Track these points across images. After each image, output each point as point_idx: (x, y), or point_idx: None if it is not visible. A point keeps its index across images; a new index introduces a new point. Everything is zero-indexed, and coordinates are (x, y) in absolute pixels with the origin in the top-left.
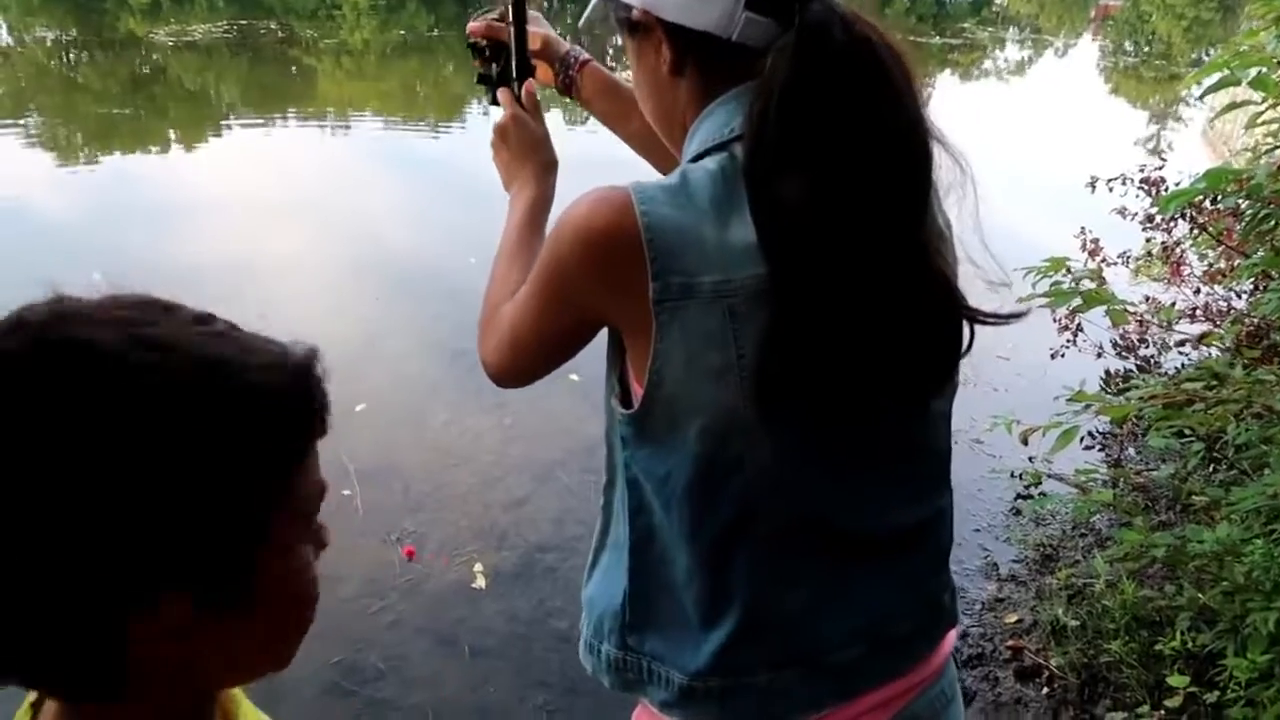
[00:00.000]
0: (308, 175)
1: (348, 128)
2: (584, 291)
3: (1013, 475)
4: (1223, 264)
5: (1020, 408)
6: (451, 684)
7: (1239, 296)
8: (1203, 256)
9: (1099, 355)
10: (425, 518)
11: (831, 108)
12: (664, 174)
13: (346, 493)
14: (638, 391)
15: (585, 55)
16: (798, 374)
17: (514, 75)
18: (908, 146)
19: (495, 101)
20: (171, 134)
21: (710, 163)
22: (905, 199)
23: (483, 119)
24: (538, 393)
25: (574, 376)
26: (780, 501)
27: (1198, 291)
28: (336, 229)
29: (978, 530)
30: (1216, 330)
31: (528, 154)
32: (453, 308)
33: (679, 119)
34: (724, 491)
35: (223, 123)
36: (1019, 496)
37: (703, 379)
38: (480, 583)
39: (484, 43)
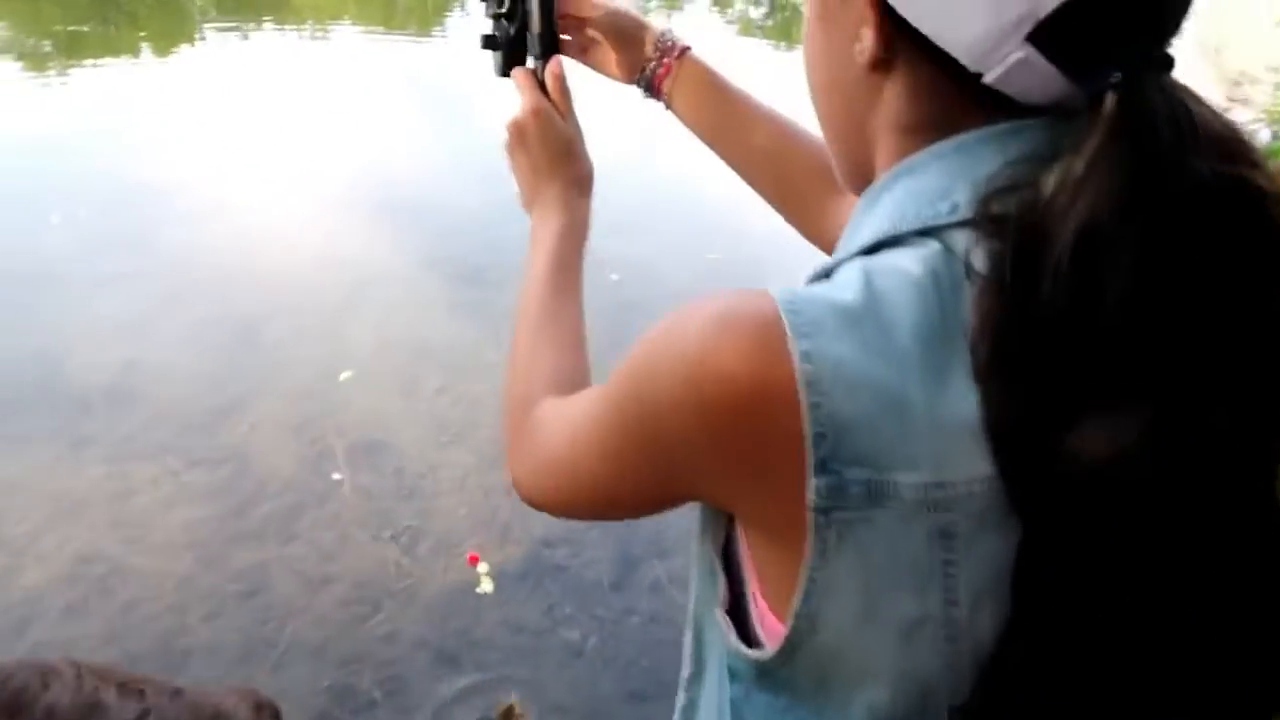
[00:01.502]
0: (286, 90)
1: (327, 37)
2: (690, 469)
3: None
4: None
5: None
6: (455, 710)
7: None
8: None
9: None
10: (421, 506)
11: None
12: (799, 222)
13: (336, 477)
14: (769, 621)
15: (683, 41)
16: (1047, 662)
17: (538, 48)
18: None
19: (505, 74)
20: (144, 46)
21: (912, 262)
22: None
23: (464, 23)
24: None
25: None
26: None
27: None
28: (318, 154)
29: None
30: None
31: (555, 163)
32: (445, 244)
33: (861, 135)
34: None
35: (197, 35)
36: None
37: (884, 631)
38: (486, 586)
39: None
